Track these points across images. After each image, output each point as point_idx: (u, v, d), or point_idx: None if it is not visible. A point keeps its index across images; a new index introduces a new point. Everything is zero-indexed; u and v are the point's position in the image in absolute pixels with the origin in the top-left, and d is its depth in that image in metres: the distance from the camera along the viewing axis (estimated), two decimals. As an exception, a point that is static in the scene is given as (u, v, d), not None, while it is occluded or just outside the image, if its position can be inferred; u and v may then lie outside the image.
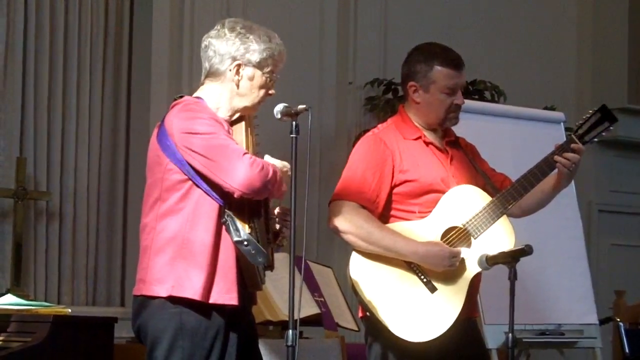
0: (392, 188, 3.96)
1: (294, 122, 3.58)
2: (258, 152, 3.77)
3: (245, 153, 3.52)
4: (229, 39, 3.69)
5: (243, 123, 3.73)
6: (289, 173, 3.61)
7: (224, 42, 3.69)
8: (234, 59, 3.68)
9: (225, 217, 3.56)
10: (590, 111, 4.04)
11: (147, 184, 3.68)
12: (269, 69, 3.70)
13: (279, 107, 3.62)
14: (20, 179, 6.23)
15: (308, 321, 5.19)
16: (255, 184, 3.49)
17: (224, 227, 3.57)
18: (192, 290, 3.53)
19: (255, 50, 3.68)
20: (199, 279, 3.53)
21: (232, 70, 3.68)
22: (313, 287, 5.53)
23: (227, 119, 3.71)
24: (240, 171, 3.48)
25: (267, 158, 3.68)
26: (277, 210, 3.73)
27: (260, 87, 3.71)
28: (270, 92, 3.74)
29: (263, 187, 3.52)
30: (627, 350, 6.16)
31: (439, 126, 4.08)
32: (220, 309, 3.57)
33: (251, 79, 3.69)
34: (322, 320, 5.43)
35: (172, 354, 3.55)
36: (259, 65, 3.69)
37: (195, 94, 3.75)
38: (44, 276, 6.50)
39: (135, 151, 6.78)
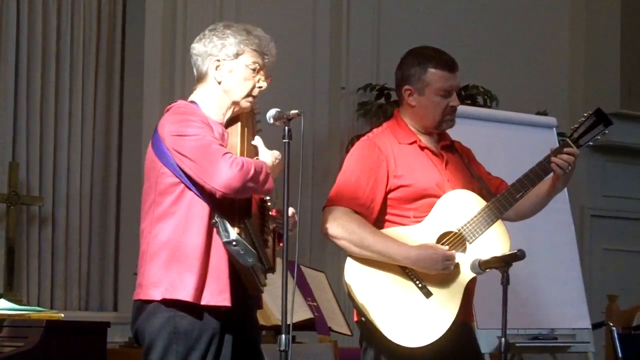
0: (386, 193, 3.94)
1: (286, 127, 3.58)
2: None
3: (225, 153, 3.51)
4: (207, 38, 3.71)
5: (238, 124, 3.71)
6: (280, 162, 3.60)
7: (202, 43, 3.71)
8: (213, 56, 3.69)
9: (215, 218, 3.55)
10: (585, 114, 4.02)
11: (143, 190, 3.69)
12: (250, 60, 3.68)
13: (271, 112, 3.62)
14: (12, 183, 6.22)
15: (301, 326, 5.19)
16: (234, 184, 3.48)
17: (214, 228, 3.57)
18: (185, 292, 3.53)
19: (231, 43, 3.68)
20: (191, 280, 3.54)
21: (212, 68, 3.69)
22: (306, 291, 5.53)
23: (221, 120, 3.70)
24: (220, 171, 3.47)
25: (258, 141, 3.67)
26: (273, 212, 3.71)
27: (245, 79, 3.68)
28: (258, 85, 3.71)
29: (242, 187, 3.50)
30: (619, 355, 6.16)
31: (435, 129, 4.06)
32: (214, 310, 3.57)
33: (231, 71, 3.68)
34: (315, 324, 5.43)
35: (167, 357, 3.56)
36: (237, 57, 3.68)
37: (188, 99, 3.75)
38: (37, 281, 6.49)
39: (128, 155, 6.76)
